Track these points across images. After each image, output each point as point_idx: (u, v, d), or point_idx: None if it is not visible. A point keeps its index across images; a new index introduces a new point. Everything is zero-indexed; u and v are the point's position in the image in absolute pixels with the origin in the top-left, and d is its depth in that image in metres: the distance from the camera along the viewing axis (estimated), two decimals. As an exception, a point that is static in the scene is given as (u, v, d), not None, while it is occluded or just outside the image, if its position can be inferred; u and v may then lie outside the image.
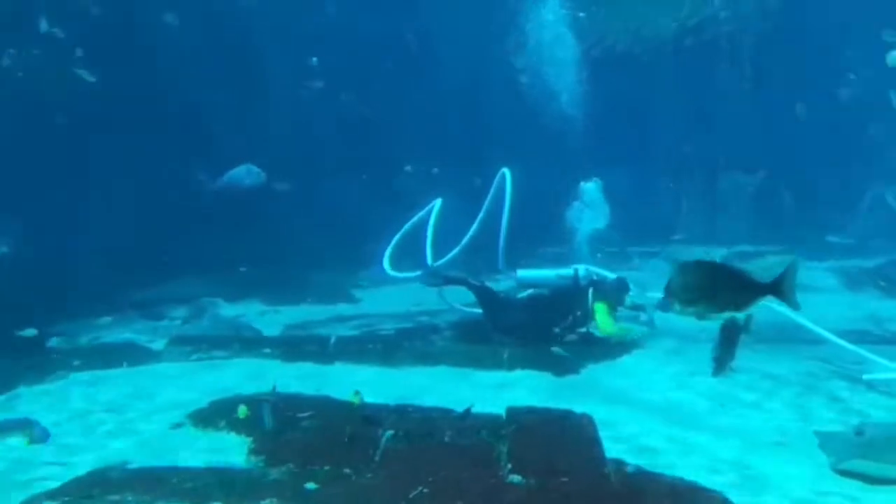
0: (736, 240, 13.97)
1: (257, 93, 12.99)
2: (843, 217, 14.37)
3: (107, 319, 10.00)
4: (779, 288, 4.85)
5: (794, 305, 4.93)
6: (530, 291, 9.21)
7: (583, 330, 8.59)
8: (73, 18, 11.28)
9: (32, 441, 5.51)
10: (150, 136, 11.42)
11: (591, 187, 10.96)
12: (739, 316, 6.31)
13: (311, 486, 4.89)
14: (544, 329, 8.50)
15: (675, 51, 15.06)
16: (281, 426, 5.86)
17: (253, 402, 6.19)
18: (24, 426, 6.02)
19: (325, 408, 6.37)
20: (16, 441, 5.49)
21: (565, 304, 8.65)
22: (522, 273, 9.30)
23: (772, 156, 15.02)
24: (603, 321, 8.45)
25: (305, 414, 6.15)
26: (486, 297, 9.14)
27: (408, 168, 13.63)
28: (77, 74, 10.94)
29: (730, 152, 15.27)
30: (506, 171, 10.44)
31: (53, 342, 8.72)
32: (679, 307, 5.10)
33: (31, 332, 8.33)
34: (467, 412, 6.00)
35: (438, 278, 9.84)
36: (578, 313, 8.57)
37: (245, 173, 11.65)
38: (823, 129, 14.44)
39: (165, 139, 11.59)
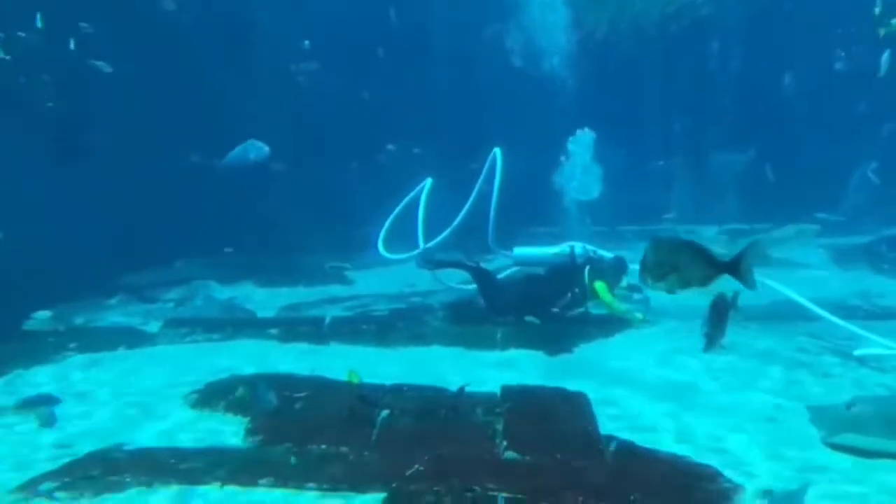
0: (726, 218, 14.03)
1: (250, 75, 12.91)
2: (832, 194, 14.43)
3: (100, 303, 10.01)
4: (736, 267, 4.99)
5: (751, 285, 5.03)
6: (511, 270, 9.24)
7: (581, 309, 8.63)
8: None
9: (42, 424, 5.49)
10: (143, 120, 11.35)
11: (581, 140, 10.35)
12: (728, 293, 6.38)
13: (308, 464, 4.93)
14: (542, 308, 8.54)
15: (660, 35, 15.09)
16: (279, 406, 5.89)
17: (251, 383, 6.22)
18: (49, 402, 6.13)
19: (321, 388, 6.41)
20: (28, 421, 5.47)
21: (563, 282, 8.67)
22: (519, 251, 9.31)
23: (761, 134, 15.06)
24: (606, 297, 8.47)
25: (301, 394, 6.18)
26: (482, 278, 9.16)
27: (390, 146, 13.52)
28: (94, 65, 10.84)
29: (719, 132, 15.30)
30: (497, 150, 10.41)
31: (48, 325, 8.69)
32: (651, 281, 5.27)
33: (45, 314, 8.30)
34: (461, 391, 6.04)
35: (433, 262, 9.85)
36: (576, 290, 8.60)
37: (249, 149, 11.55)
38: (811, 107, 14.48)
39: (158, 123, 11.52)
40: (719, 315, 6.32)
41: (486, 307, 8.90)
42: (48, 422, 5.61)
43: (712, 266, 5.11)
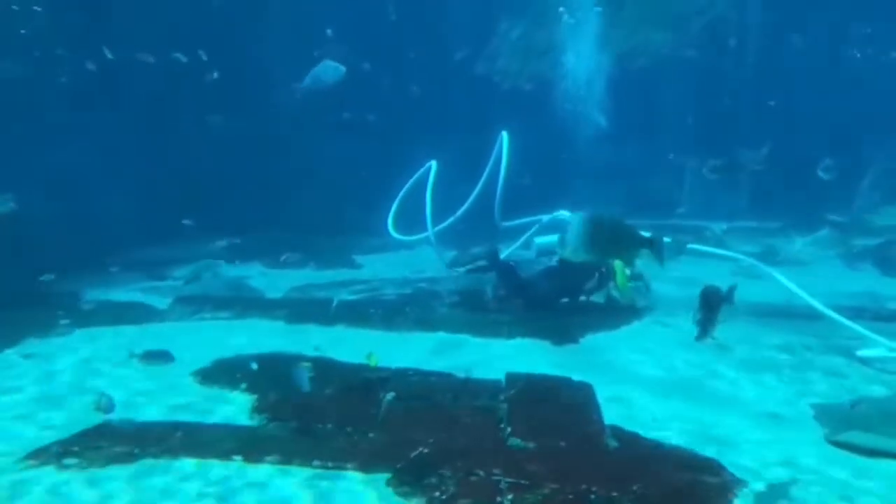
0: (737, 215, 14.01)
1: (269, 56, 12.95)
2: (844, 194, 14.39)
3: (110, 278, 10.06)
4: (654, 245, 5.88)
5: (660, 261, 5.95)
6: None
7: (604, 291, 8.66)
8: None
9: (99, 408, 5.49)
10: (158, 97, 11.39)
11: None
12: (722, 286, 6.48)
13: (313, 444, 4.97)
14: (573, 295, 8.60)
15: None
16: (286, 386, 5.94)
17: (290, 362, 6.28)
18: (166, 357, 6.35)
19: (327, 369, 6.45)
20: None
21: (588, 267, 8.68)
22: (540, 241, 9.32)
23: (775, 132, 15.01)
24: (623, 280, 8.49)
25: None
26: (508, 274, 9.13)
27: (345, 115, 13.40)
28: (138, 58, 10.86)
29: (734, 128, 15.27)
30: (504, 133, 10.42)
31: (58, 298, 8.76)
32: (570, 251, 5.97)
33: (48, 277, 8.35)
34: (467, 379, 6.07)
35: (461, 265, 10.00)
36: (603, 269, 8.61)
37: (327, 69, 11.43)
38: (826, 105, 14.43)
39: (175, 99, 11.55)
40: (709, 306, 6.37)
41: (522, 304, 8.78)
42: (107, 409, 5.56)
43: (633, 242, 5.97)
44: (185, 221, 11.39)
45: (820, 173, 11.01)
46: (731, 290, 6.39)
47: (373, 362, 6.40)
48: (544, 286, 8.75)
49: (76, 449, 4.86)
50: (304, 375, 5.88)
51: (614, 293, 8.65)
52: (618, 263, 8.48)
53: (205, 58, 11.54)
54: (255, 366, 6.15)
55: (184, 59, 11.03)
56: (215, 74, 11.49)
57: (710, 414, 5.76)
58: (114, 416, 5.42)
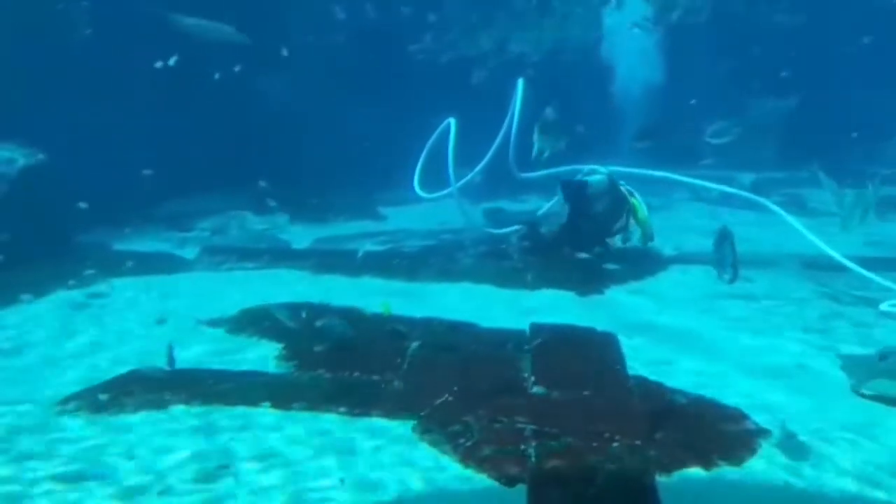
0: (765, 165, 13.79)
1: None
2: (878, 145, 14.12)
3: (138, 229, 10.17)
4: None
5: None
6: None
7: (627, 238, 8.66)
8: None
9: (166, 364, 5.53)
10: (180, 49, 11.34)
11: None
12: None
13: (339, 391, 5.05)
14: (600, 238, 8.60)
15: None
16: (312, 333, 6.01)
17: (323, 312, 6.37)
18: (294, 310, 6.39)
19: (353, 318, 6.51)
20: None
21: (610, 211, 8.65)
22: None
23: (806, 81, 14.70)
24: (643, 216, 8.47)
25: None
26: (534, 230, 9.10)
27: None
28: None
29: (763, 76, 14.96)
30: (520, 80, 10.26)
31: (87, 249, 8.89)
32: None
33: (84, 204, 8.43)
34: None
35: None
36: (627, 211, 8.60)
37: None
38: (860, 54, 14.09)
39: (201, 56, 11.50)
40: (730, 245, 6.32)
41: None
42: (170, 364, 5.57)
43: None
44: (261, 183, 11.40)
45: (708, 138, 10.55)
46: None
47: (386, 310, 6.44)
48: (568, 234, 8.70)
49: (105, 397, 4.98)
50: (337, 324, 5.95)
51: (632, 233, 8.61)
52: (636, 200, 8.45)
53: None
54: (283, 314, 6.20)
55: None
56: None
57: (737, 364, 5.76)
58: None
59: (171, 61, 10.11)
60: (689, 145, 14.06)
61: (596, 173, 8.76)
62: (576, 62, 14.45)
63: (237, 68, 11.25)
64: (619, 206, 8.60)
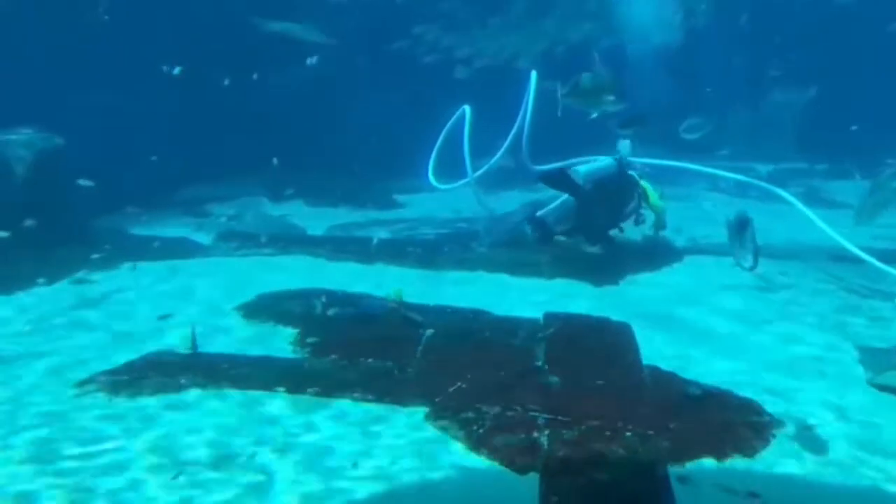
0: (782, 156, 13.69)
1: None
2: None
3: (154, 215, 10.24)
4: None
5: None
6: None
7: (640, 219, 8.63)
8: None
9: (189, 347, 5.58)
10: (198, 37, 11.39)
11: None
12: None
13: (354, 377, 5.08)
14: (614, 220, 8.56)
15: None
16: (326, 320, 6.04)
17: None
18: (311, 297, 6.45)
19: (368, 304, 6.54)
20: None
21: (619, 198, 8.61)
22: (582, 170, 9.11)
23: (825, 72, 14.56)
24: (655, 199, 8.46)
25: (349, 310, 6.32)
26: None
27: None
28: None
29: (782, 66, 14.84)
30: (533, 73, 10.21)
31: (104, 234, 8.95)
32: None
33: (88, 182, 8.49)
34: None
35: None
36: (639, 191, 8.56)
37: None
38: (878, 45, 13.94)
39: (211, 44, 11.54)
40: (750, 231, 6.26)
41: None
42: (193, 348, 5.64)
43: None
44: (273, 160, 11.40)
45: (682, 133, 10.33)
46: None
47: (398, 297, 6.47)
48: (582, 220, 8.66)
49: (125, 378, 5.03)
50: (377, 303, 5.96)
51: (644, 216, 8.59)
52: (646, 183, 8.42)
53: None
54: (316, 302, 6.25)
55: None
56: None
57: (753, 354, 5.75)
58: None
59: (176, 70, 10.18)
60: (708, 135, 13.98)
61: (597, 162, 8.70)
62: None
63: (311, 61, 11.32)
64: (629, 190, 8.56)
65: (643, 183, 8.55)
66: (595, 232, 8.50)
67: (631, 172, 8.61)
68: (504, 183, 11.73)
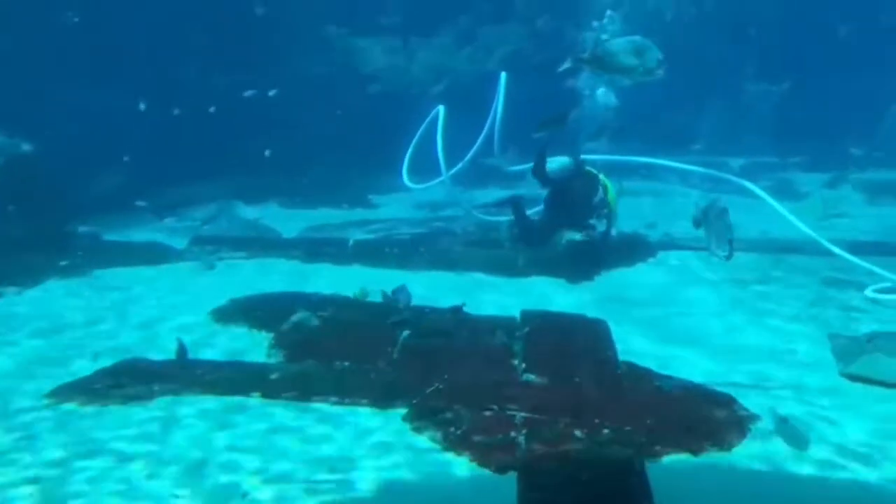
0: (757, 150, 13.78)
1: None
2: (867, 127, 14.12)
3: (128, 219, 10.12)
4: None
5: None
6: None
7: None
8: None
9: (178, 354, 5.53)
10: (175, 39, 11.31)
11: None
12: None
13: (331, 380, 5.05)
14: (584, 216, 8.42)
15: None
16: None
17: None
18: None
19: (344, 307, 6.51)
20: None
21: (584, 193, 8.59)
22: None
23: (797, 66, 14.67)
24: (612, 194, 8.46)
25: (325, 313, 6.27)
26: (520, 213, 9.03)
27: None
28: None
29: (756, 62, 14.94)
30: (503, 74, 10.26)
31: (77, 239, 8.85)
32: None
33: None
34: (458, 308, 6.13)
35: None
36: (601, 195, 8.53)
37: None
38: (849, 39, 14.10)
39: (189, 43, 11.45)
40: (725, 220, 6.26)
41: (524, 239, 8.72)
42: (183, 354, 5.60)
43: None
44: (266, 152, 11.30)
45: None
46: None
47: (363, 296, 6.43)
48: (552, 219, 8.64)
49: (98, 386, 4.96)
50: (309, 317, 5.96)
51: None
52: (603, 176, 8.42)
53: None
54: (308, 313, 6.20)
55: None
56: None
57: (726, 347, 5.79)
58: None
59: (142, 106, 10.13)
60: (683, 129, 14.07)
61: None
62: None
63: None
64: (592, 184, 8.55)
65: (601, 177, 8.50)
66: (573, 221, 8.49)
67: (588, 168, 8.61)
68: (482, 180, 11.72)
